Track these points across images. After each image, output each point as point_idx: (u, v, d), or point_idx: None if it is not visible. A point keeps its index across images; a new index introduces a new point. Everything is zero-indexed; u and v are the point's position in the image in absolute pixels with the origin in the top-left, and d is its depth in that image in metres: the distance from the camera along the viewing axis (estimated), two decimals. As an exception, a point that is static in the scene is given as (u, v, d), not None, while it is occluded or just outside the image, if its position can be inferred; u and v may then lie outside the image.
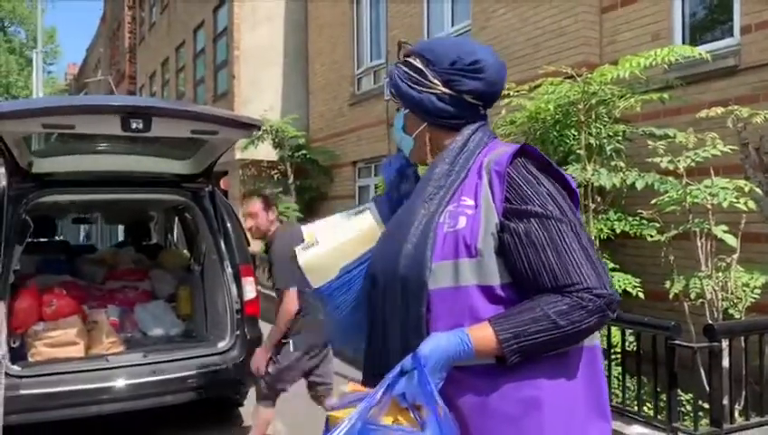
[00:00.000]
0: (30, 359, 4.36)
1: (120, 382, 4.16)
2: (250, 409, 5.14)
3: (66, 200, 5.15)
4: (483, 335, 1.30)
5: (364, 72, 11.83)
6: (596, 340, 1.44)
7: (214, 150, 4.71)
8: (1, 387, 3.59)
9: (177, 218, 6.91)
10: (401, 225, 1.44)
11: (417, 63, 1.51)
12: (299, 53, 13.80)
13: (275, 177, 13.10)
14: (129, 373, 4.23)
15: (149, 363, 4.37)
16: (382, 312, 1.46)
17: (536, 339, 1.29)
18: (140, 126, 3.78)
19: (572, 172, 4.91)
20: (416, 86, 1.50)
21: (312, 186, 12.86)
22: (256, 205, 3.92)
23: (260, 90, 13.26)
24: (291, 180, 12.53)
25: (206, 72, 15.82)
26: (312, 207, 12.87)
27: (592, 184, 4.92)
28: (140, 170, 4.89)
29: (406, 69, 1.53)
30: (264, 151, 12.51)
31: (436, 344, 1.29)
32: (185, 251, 6.38)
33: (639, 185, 4.68)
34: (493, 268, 1.35)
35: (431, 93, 1.49)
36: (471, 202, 1.39)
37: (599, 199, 5.18)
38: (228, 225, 4.98)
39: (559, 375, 1.36)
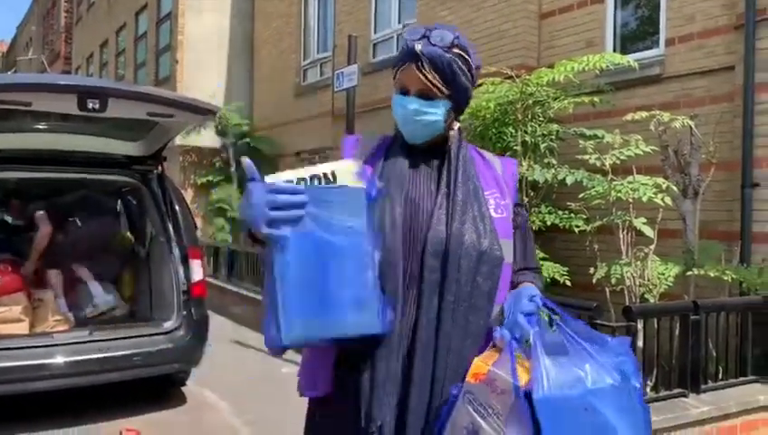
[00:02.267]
0: (-28, 335, 4.34)
1: (65, 359, 4.20)
2: (193, 389, 5.26)
3: (11, 178, 5.10)
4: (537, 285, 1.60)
5: (310, 63, 11.94)
6: None
7: (165, 133, 4.79)
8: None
9: (120, 201, 6.89)
10: (458, 210, 1.52)
11: (467, 57, 1.56)
12: (244, 42, 13.77)
13: (217, 164, 13.06)
14: (74, 350, 4.27)
15: (95, 341, 4.42)
16: (437, 287, 1.49)
17: None
18: (97, 106, 3.84)
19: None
20: (467, 81, 1.57)
21: (254, 175, 12.87)
22: None
23: (203, 76, 13.18)
24: (233, 168, 12.52)
25: (147, 57, 15.55)
26: (254, 196, 12.88)
27: (527, 179, 5.25)
28: (89, 150, 4.90)
29: (459, 60, 1.54)
30: (207, 138, 12.39)
31: (533, 291, 1.51)
32: (128, 233, 6.37)
33: (569, 181, 5.04)
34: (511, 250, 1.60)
35: (471, 88, 1.60)
36: (498, 193, 1.61)
37: (532, 194, 5.52)
38: (177, 207, 5.06)
39: None
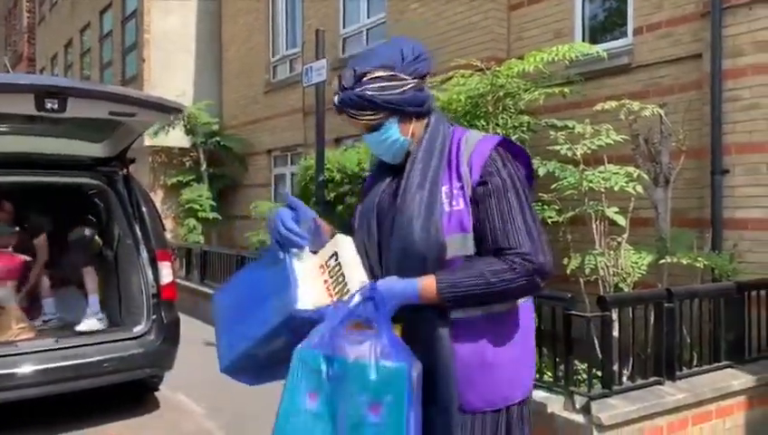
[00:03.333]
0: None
1: (31, 368, 4.08)
2: (166, 393, 5.16)
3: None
4: (428, 283, 1.56)
5: (280, 60, 11.81)
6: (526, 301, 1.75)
7: (129, 133, 4.67)
8: None
9: (85, 204, 6.72)
10: (405, 208, 1.63)
11: (382, 73, 1.64)
12: (212, 39, 13.57)
13: (187, 164, 12.86)
14: (40, 359, 4.15)
15: (61, 349, 4.29)
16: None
17: (469, 291, 1.55)
18: (56, 106, 3.72)
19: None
20: (395, 91, 1.64)
21: (225, 174, 12.72)
22: None
23: (171, 75, 12.96)
24: (203, 168, 12.35)
25: (113, 56, 15.26)
26: (226, 195, 12.73)
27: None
28: (51, 152, 4.76)
29: (374, 84, 1.63)
30: (176, 138, 12.25)
31: (390, 284, 1.57)
32: (96, 238, 6.22)
33: (541, 172, 5.02)
34: (471, 242, 1.62)
35: (409, 88, 1.66)
36: (458, 184, 1.64)
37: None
38: (144, 209, 4.94)
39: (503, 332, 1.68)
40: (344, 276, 1.63)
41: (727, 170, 5.17)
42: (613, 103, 4.80)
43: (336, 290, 1.64)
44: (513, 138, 5.47)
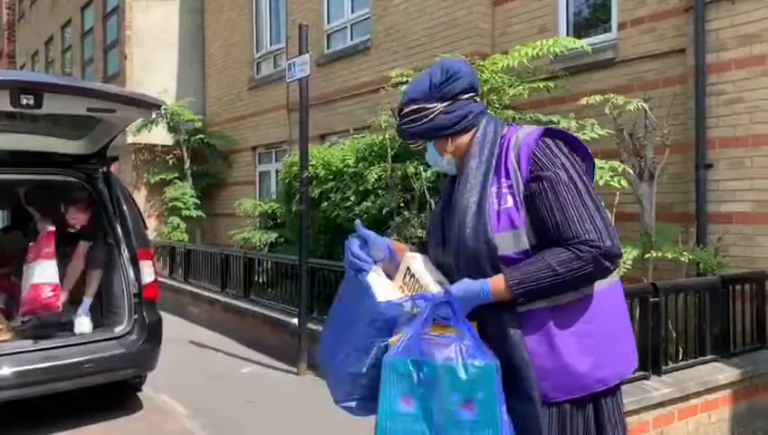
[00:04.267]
0: None
1: (8, 370, 3.99)
2: (149, 393, 5.09)
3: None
4: (498, 282, 1.63)
5: (263, 56, 11.71)
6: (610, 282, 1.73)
7: (109, 130, 4.58)
8: None
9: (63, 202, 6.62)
10: (458, 213, 1.74)
11: (413, 106, 1.81)
12: (195, 36, 13.43)
13: (170, 162, 12.74)
14: (18, 361, 4.06)
15: (40, 350, 4.21)
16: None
17: (538, 284, 1.59)
18: (31, 102, 3.63)
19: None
20: (423, 121, 1.80)
21: (209, 171, 12.61)
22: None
23: (153, 71, 12.81)
24: (187, 165, 12.23)
25: (95, 53, 15.07)
26: (210, 193, 12.63)
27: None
28: (29, 149, 4.67)
29: (405, 119, 1.83)
30: (159, 135, 12.14)
31: (463, 287, 1.63)
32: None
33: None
34: (524, 238, 1.66)
35: (438, 114, 1.79)
36: (505, 181, 1.70)
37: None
38: (125, 207, 4.86)
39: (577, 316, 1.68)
40: (421, 287, 1.72)
41: (711, 165, 5.18)
42: (598, 98, 4.79)
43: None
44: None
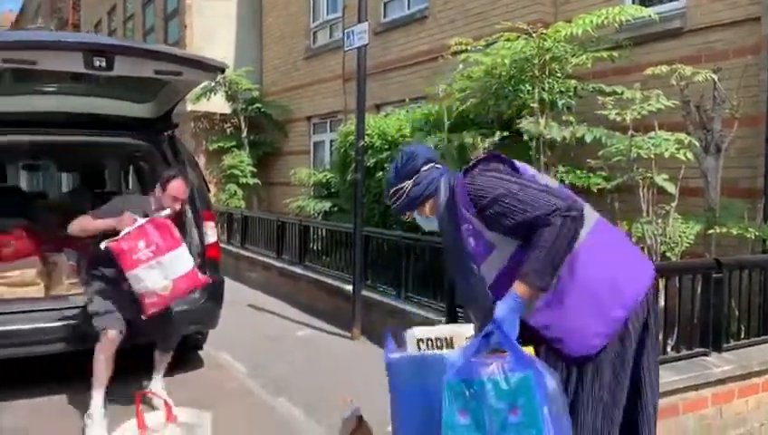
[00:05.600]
0: (-12, 299, 4.34)
1: (81, 322, 4.18)
2: (209, 351, 5.27)
3: (22, 141, 5.06)
4: (520, 288, 1.95)
5: (320, 25, 11.74)
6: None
7: (174, 94, 4.70)
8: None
9: (132, 166, 6.85)
10: (453, 261, 2.27)
11: (392, 189, 2.28)
12: (253, 5, 13.54)
13: (228, 130, 12.97)
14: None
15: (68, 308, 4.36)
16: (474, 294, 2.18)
17: (546, 264, 1.92)
18: (104, 64, 3.75)
19: (525, 126, 5.11)
20: (403, 196, 2.26)
21: (265, 141, 12.80)
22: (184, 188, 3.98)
23: (212, 40, 12.99)
24: (244, 134, 12.44)
25: (155, 22, 15.37)
26: (266, 162, 12.83)
27: (543, 137, 5.13)
28: (99, 113, 4.83)
29: (392, 200, 2.30)
30: (217, 104, 12.35)
31: (501, 309, 1.93)
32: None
33: (588, 138, 4.92)
34: (505, 247, 2.06)
35: (410, 188, 2.24)
36: (467, 222, 2.09)
37: (549, 153, 5.41)
38: (189, 171, 4.98)
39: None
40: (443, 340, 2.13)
41: (783, 139, 4.98)
42: (664, 68, 4.65)
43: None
44: (560, 103, 5.37)
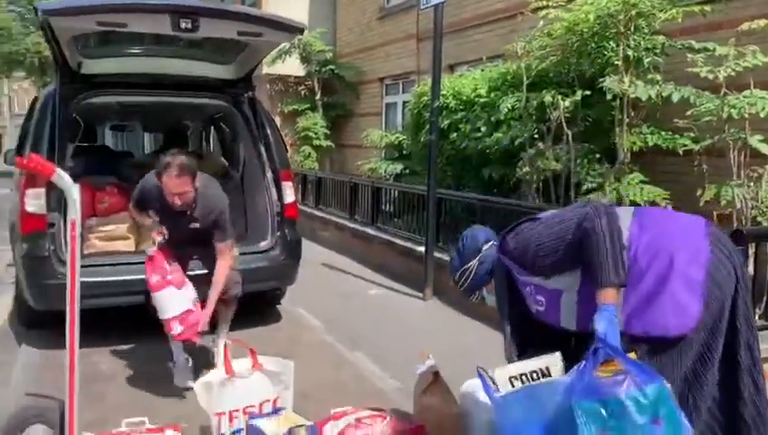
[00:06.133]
0: (84, 251, 4.61)
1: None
2: (287, 307, 5.45)
3: (112, 102, 5.29)
4: (604, 294, 1.98)
5: (394, -15, 11.60)
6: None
7: (255, 55, 4.79)
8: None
9: (212, 127, 7.06)
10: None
11: (459, 273, 2.49)
12: (327, -35, 13.49)
13: (302, 93, 13.12)
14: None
15: (195, 259, 4.58)
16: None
17: (611, 259, 1.97)
18: (189, 26, 3.86)
19: (609, 84, 4.94)
20: (471, 276, 2.47)
21: (338, 103, 12.87)
22: (187, 184, 3.42)
23: (287, 2, 13.04)
24: (318, 97, 12.56)
25: (231, -16, 15.55)
26: (339, 124, 12.93)
27: (628, 96, 4.95)
28: (184, 74, 4.98)
29: (460, 282, 2.51)
30: (292, 66, 12.47)
31: (599, 322, 1.93)
32: (222, 159, 6.54)
33: (675, 97, 4.71)
34: (570, 285, 2.18)
35: (476, 266, 2.45)
36: (528, 289, 2.31)
37: (632, 113, 5.21)
38: (268, 131, 5.11)
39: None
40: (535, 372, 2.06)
41: None
42: (761, 23, 4.38)
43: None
44: (646, 61, 5.14)
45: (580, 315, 2.13)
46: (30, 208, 4.13)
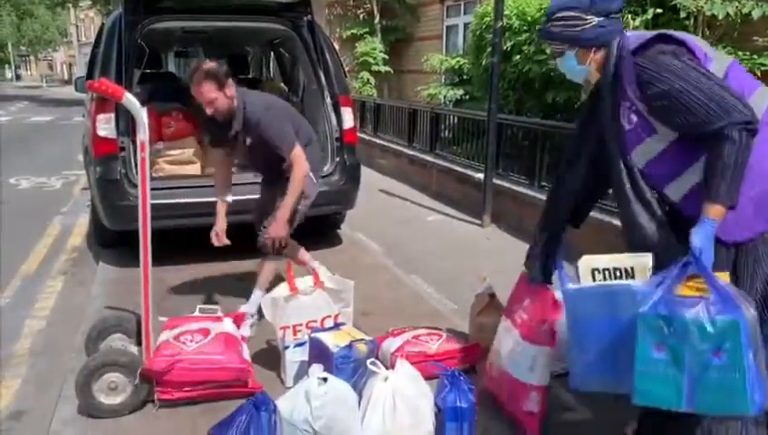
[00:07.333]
0: (153, 174, 4.78)
1: (233, 198, 4.51)
2: (346, 231, 5.57)
3: (176, 27, 5.33)
4: (713, 209, 1.83)
5: None
6: None
7: (314, -23, 4.72)
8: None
9: (272, 52, 7.06)
10: (605, 131, 2.11)
11: (569, 13, 2.05)
12: None
13: (361, 16, 12.89)
14: (242, 190, 4.56)
15: (257, 182, 4.69)
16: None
17: (732, 183, 1.81)
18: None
19: (683, 1, 4.67)
20: (574, 29, 2.05)
21: (397, 26, 12.61)
22: (212, 90, 3.22)
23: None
24: (377, 20, 12.32)
25: None
26: (397, 49, 12.70)
27: (703, 14, 4.67)
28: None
29: (558, 22, 2.07)
30: (351, -11, 12.26)
31: (700, 237, 1.83)
32: (282, 84, 6.58)
33: (756, 14, 4.42)
34: (659, 142, 1.97)
35: (590, 27, 2.03)
36: (628, 99, 1.97)
37: (708, 32, 4.93)
38: (327, 56, 5.09)
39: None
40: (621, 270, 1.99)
41: None
42: None
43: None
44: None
45: (653, 164, 2.00)
46: (101, 132, 4.30)
